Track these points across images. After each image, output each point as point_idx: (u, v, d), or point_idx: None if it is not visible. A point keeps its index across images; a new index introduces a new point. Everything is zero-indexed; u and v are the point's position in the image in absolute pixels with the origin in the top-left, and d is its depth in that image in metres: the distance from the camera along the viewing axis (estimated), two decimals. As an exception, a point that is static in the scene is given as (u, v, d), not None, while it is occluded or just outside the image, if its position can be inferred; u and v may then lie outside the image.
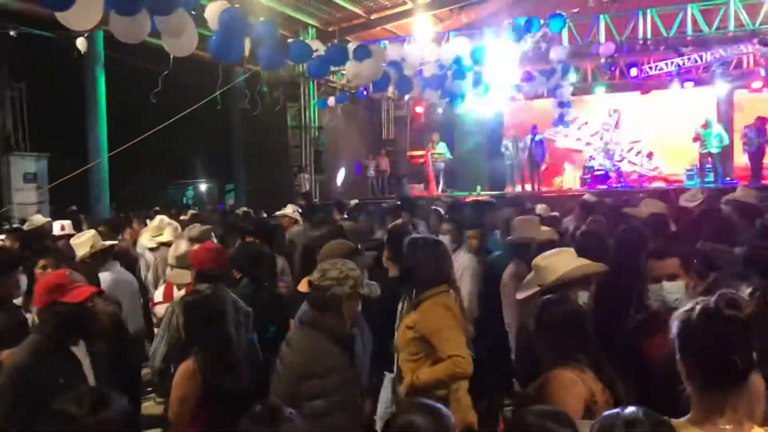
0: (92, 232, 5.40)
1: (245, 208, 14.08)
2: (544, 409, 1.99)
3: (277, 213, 9.42)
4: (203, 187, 28.12)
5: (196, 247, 4.61)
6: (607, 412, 1.78)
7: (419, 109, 20.49)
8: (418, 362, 3.43)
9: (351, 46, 10.85)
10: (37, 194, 18.17)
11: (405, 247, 3.81)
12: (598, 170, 18.07)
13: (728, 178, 16.28)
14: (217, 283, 3.97)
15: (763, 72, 17.08)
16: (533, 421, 1.91)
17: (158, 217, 7.54)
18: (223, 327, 3.31)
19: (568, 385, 2.57)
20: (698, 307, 1.83)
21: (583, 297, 3.44)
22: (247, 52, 9.44)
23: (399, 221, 7.16)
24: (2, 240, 6.88)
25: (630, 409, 1.73)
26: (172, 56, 9.14)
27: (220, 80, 11.88)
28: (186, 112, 11.64)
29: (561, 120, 18.13)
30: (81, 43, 13.26)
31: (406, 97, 18.51)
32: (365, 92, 17.95)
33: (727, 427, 1.78)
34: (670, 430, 1.72)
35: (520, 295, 3.76)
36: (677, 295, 3.13)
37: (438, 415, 1.99)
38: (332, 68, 12.83)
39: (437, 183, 18.96)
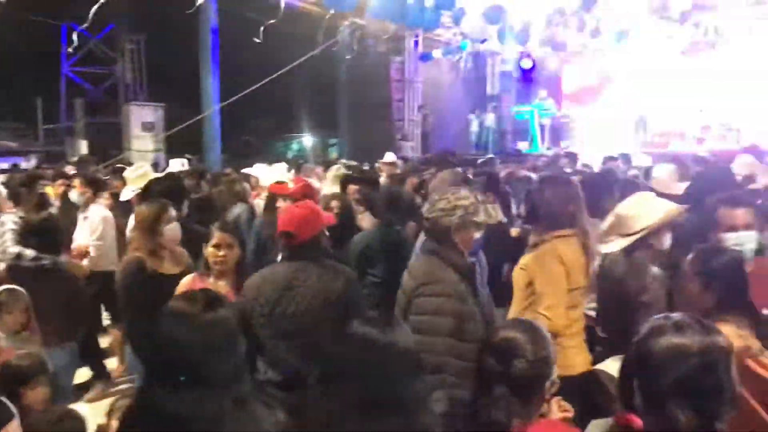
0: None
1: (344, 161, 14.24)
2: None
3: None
4: (308, 140, 28.59)
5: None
6: (656, 316, 1.79)
7: (526, 64, 19.88)
8: (528, 306, 3.25)
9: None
10: (154, 142, 19.13)
11: (535, 184, 3.78)
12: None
13: None
14: None
15: None
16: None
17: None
18: None
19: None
20: None
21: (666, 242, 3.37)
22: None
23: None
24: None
25: (678, 314, 1.76)
26: (282, 8, 9.33)
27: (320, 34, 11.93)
28: (293, 65, 11.85)
29: None
30: (200, -6, 13.43)
31: (513, 51, 17.99)
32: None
33: None
34: (717, 332, 1.71)
35: (605, 249, 3.52)
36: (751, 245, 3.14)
37: (535, 330, 2.09)
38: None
39: (543, 140, 18.46)
